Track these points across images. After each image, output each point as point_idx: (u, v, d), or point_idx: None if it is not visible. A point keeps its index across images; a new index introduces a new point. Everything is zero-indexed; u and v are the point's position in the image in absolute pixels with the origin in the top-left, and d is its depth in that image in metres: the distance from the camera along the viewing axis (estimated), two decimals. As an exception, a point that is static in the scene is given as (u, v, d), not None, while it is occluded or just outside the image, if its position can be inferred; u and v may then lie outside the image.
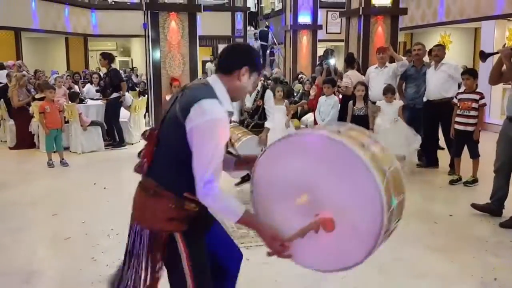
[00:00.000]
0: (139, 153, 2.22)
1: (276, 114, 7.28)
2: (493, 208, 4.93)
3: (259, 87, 5.58)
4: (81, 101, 9.29)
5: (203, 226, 2.22)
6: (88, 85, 11.41)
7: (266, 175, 2.07)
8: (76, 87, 11.14)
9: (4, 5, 13.65)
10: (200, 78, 2.30)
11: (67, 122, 8.28)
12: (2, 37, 14.23)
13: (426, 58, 7.22)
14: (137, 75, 16.49)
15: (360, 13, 9.77)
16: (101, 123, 8.90)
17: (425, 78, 6.77)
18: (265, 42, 19.60)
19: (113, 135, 9.04)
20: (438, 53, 6.63)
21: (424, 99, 6.85)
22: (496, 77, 4.87)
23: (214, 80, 2.11)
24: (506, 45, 5.02)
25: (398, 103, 6.74)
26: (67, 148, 8.30)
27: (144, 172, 2.16)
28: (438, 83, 6.59)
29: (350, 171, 1.88)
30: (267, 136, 5.53)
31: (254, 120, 5.65)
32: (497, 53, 4.83)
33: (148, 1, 7.93)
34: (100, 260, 3.98)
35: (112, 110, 8.87)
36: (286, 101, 7.60)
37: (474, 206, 5.03)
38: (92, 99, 9.88)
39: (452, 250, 4.17)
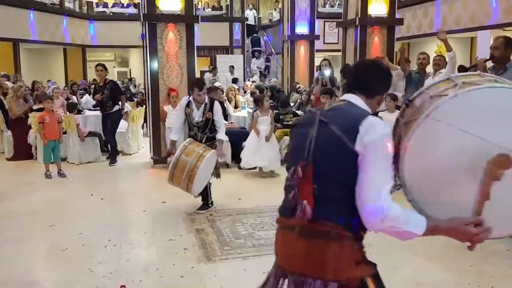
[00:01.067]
0: (293, 197, 1.89)
1: (262, 126, 7.30)
2: None
3: (206, 100, 5.55)
4: (79, 111, 9.30)
5: (374, 264, 1.98)
6: (86, 95, 11.43)
7: (418, 172, 1.88)
8: (74, 97, 11.15)
9: (2, 17, 13.69)
10: (336, 99, 2.20)
11: (65, 133, 8.27)
12: (0, 48, 14.28)
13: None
14: (135, 85, 16.51)
15: (357, 23, 9.82)
16: (99, 134, 8.87)
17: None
18: (258, 47, 19.73)
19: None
20: (439, 62, 6.76)
21: None
22: None
23: (360, 102, 1.99)
24: (478, 58, 5.19)
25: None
26: (64, 159, 8.31)
27: (309, 216, 1.84)
28: None
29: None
30: (222, 147, 5.60)
31: (205, 133, 5.55)
32: (475, 65, 4.99)
33: (146, 12, 7.97)
34: (96, 271, 3.98)
35: (113, 124, 8.63)
36: (270, 111, 7.61)
37: None
38: (90, 109, 9.88)
39: (449, 258, 4.16)
